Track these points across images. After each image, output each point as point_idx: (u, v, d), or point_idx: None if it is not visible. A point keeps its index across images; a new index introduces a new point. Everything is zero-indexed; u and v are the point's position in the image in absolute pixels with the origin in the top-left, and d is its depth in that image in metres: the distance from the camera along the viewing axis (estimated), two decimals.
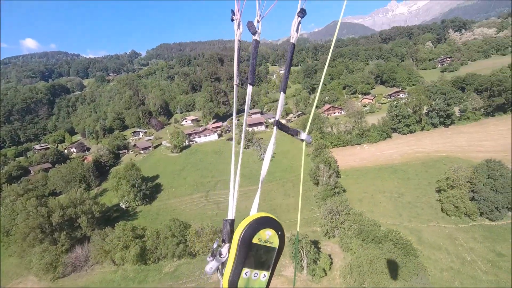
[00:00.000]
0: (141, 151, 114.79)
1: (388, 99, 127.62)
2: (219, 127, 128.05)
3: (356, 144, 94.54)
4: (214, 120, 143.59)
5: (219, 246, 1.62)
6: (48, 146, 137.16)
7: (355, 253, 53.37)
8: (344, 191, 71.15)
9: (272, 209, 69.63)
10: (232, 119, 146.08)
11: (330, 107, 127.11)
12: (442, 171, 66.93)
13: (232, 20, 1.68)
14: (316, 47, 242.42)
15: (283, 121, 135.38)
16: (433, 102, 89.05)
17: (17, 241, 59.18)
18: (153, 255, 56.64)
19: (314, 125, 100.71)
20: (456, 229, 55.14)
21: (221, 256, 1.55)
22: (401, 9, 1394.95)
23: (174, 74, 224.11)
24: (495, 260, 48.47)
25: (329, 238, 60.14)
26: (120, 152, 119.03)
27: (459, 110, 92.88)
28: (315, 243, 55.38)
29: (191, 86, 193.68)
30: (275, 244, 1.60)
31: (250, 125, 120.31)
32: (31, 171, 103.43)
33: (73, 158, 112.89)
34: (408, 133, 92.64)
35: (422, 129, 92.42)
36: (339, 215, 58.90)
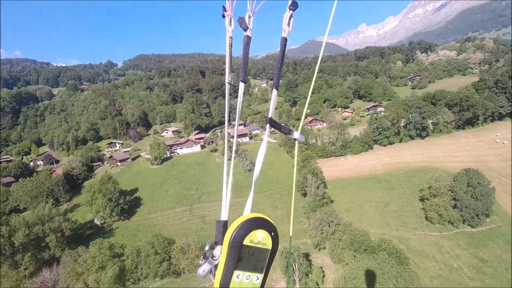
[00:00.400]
0: (118, 163, 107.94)
1: (367, 113, 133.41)
2: (202, 138, 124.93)
3: (340, 155, 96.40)
4: (197, 131, 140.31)
5: (211, 248, 1.57)
6: (11, 158, 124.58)
7: (347, 264, 52.49)
8: (331, 201, 71.11)
9: None
10: (215, 130, 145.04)
11: (313, 119, 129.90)
12: (424, 181, 69.69)
13: (223, 16, 1.63)
14: (296, 62, 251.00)
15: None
16: (410, 116, 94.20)
17: None
18: (132, 275, 51.58)
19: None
20: (441, 236, 56.72)
21: (214, 258, 1.50)
22: (370, 32, 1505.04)
23: (154, 85, 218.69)
24: (479, 266, 50.08)
25: (319, 250, 58.98)
26: (94, 164, 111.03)
27: (432, 123, 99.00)
28: (306, 256, 53.93)
29: (172, 97, 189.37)
30: (268, 245, 1.55)
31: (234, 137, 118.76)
32: None
33: (39, 171, 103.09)
34: (388, 145, 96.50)
35: (400, 141, 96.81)
36: (329, 226, 58.25)
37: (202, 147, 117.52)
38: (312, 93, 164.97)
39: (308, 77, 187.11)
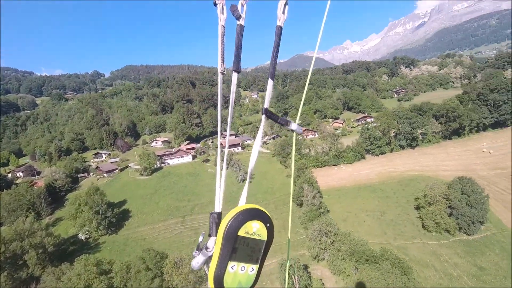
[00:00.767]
0: (105, 174, 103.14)
1: (357, 123, 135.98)
2: (193, 148, 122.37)
3: (333, 165, 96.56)
4: (188, 141, 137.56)
5: (205, 239, 1.56)
6: None
7: (348, 276, 51.15)
8: (328, 211, 70.24)
9: None
10: (207, 140, 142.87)
11: (305, 129, 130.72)
12: (418, 189, 70.31)
13: (215, 4, 1.57)
14: (286, 75, 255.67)
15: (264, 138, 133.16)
16: (400, 126, 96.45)
17: None
18: None
19: (292, 147, 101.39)
20: (439, 245, 56.61)
21: (208, 250, 1.49)
22: (354, 48, 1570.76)
23: (143, 95, 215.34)
24: (478, 274, 49.96)
25: (318, 261, 57.36)
26: (79, 175, 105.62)
27: (420, 133, 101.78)
28: (305, 267, 52.12)
29: (162, 107, 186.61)
30: (263, 236, 1.52)
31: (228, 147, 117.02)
32: None
33: (19, 183, 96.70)
34: (379, 154, 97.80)
35: (391, 151, 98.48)
36: (327, 236, 56.99)
37: (194, 157, 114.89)
38: (303, 104, 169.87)
39: (298, 89, 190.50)
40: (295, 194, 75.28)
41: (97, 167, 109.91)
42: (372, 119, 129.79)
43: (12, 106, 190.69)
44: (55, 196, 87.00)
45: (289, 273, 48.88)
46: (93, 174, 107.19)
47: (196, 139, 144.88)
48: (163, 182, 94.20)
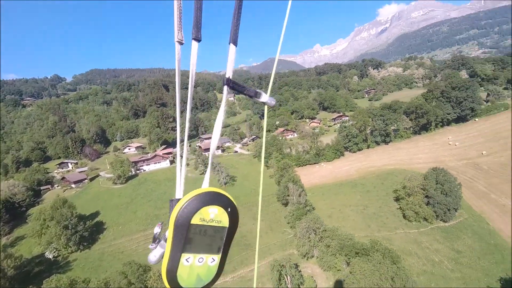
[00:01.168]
0: (73, 185, 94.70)
1: (333, 122, 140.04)
2: (170, 153, 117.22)
3: (314, 163, 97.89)
4: (164, 146, 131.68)
5: (163, 230, 1.42)
6: None
7: (339, 270, 51.31)
8: (313, 208, 70.53)
9: (243, 236, 63.59)
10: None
11: (284, 130, 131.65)
12: (395, 182, 73.43)
13: None
14: (261, 77, 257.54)
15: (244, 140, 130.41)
16: (375, 123, 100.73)
17: None
18: None
19: (273, 147, 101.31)
20: (419, 233, 59.21)
21: (166, 241, 1.34)
22: (324, 51, 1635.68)
23: (112, 99, 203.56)
24: (456, 257, 52.87)
25: (307, 259, 57.06)
26: (42, 188, 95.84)
27: (393, 129, 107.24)
28: (296, 266, 51.51)
29: (134, 111, 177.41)
30: (224, 222, 1.37)
31: (205, 150, 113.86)
32: None
33: None
34: (357, 151, 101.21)
35: (368, 147, 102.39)
36: (316, 234, 56.99)
37: (172, 162, 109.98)
38: (280, 105, 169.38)
39: (274, 91, 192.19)
40: (280, 193, 74.74)
41: (63, 178, 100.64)
42: (347, 118, 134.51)
43: None
44: (13, 212, 77.85)
45: (281, 273, 47.85)
46: (58, 186, 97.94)
47: (173, 144, 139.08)
48: (140, 190, 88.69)
